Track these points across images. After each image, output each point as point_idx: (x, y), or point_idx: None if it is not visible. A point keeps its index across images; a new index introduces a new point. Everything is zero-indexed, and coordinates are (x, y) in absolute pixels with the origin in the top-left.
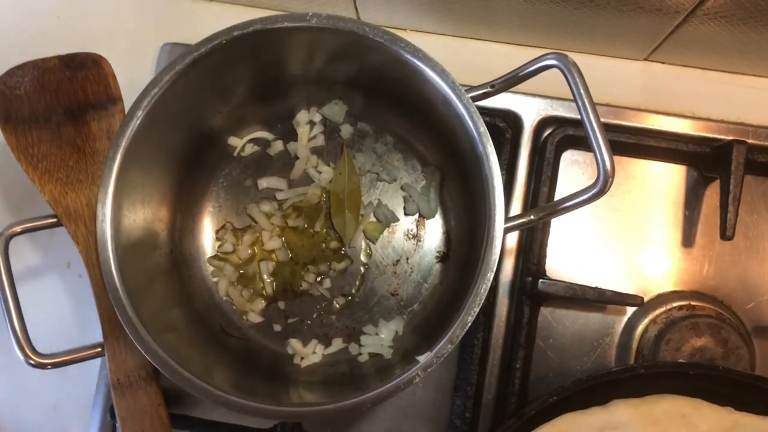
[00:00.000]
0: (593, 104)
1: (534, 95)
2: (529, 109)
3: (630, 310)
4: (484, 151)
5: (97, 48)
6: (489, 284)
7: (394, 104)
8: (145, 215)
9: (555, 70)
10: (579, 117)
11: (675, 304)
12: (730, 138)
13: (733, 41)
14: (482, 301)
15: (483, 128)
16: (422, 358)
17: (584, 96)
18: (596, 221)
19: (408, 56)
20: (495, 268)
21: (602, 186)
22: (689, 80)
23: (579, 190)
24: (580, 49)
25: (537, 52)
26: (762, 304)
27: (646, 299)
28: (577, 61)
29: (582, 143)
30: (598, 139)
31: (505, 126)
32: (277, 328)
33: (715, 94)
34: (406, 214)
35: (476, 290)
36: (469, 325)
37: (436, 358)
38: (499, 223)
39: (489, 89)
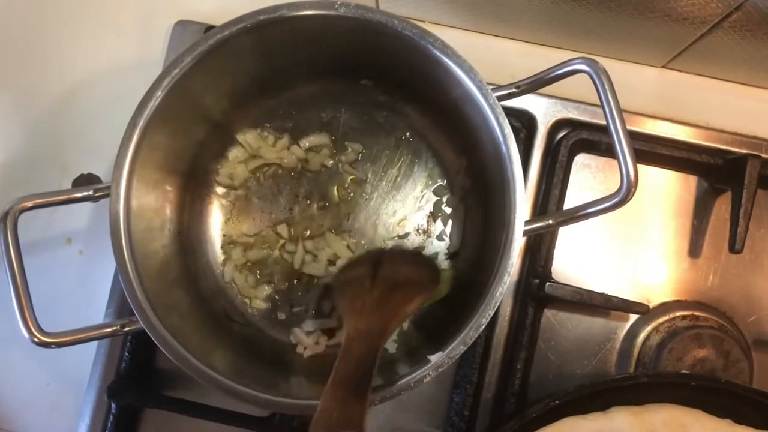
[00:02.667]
0: (621, 112)
1: (550, 96)
2: (545, 110)
3: (633, 317)
4: (508, 153)
5: (108, 23)
6: (505, 288)
7: (414, 99)
8: (157, 196)
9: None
10: (595, 120)
11: (678, 314)
12: (744, 151)
13: (755, 54)
14: (498, 305)
15: (508, 130)
16: (434, 358)
17: (612, 103)
18: (604, 226)
19: (436, 52)
20: (512, 272)
21: (624, 195)
22: (705, 90)
23: (600, 198)
24: (598, 51)
25: (555, 53)
26: (763, 318)
27: (649, 307)
28: None
29: (596, 148)
30: (624, 148)
31: (519, 126)
32: (282, 316)
33: (730, 106)
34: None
35: (492, 293)
36: (483, 327)
37: (448, 358)
38: (519, 227)
39: (514, 90)
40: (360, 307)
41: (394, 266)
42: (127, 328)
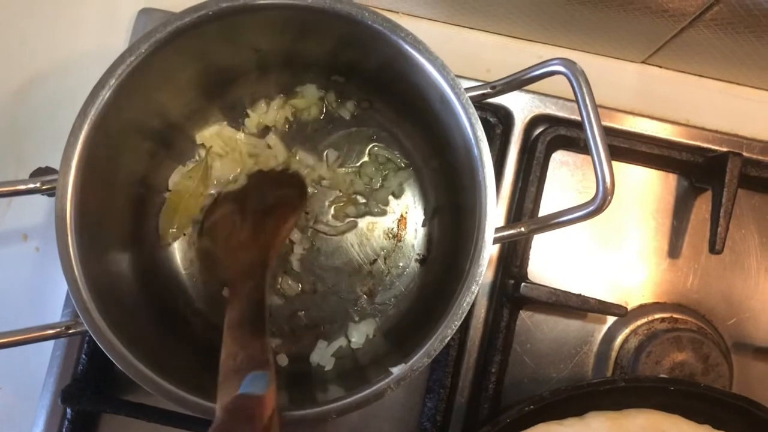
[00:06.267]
0: (598, 117)
1: (527, 91)
2: (522, 105)
3: (611, 319)
4: (480, 156)
5: (69, 11)
6: (473, 297)
7: (386, 96)
8: (110, 190)
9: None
10: (573, 117)
11: (657, 316)
12: (725, 149)
13: (735, 50)
14: (464, 315)
15: (481, 132)
16: (396, 370)
17: (590, 107)
18: (581, 225)
19: (407, 47)
20: (480, 281)
21: (600, 204)
22: (685, 87)
23: (575, 206)
24: (577, 46)
25: (533, 47)
26: (743, 321)
27: (627, 309)
28: (573, 59)
29: (573, 144)
30: (600, 155)
31: (496, 121)
32: None
33: (710, 103)
34: None
35: (459, 302)
36: (449, 338)
37: (411, 371)
38: (488, 235)
39: (489, 90)
40: (236, 245)
41: (261, 192)
42: (72, 330)
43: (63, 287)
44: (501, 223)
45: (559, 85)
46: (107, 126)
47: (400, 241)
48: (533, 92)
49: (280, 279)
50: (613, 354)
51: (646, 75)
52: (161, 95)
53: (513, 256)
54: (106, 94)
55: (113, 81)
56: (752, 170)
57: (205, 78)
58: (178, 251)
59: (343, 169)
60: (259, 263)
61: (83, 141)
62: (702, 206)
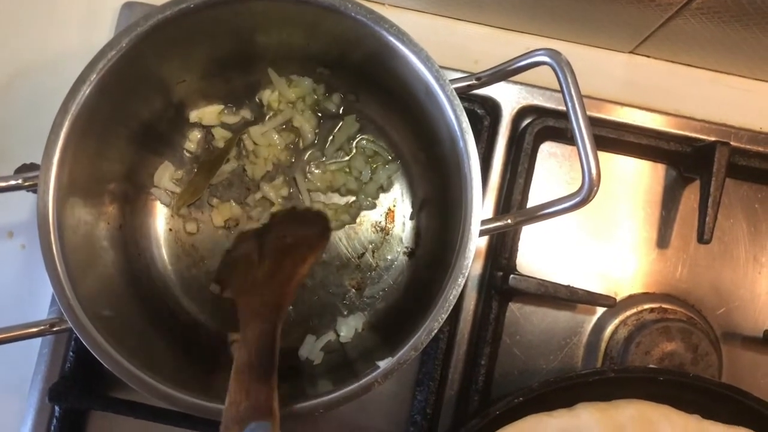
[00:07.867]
0: (583, 107)
1: (515, 82)
2: (509, 96)
3: (600, 310)
4: (466, 148)
5: (52, 6)
6: (460, 290)
7: (372, 89)
8: (94, 188)
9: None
10: (561, 108)
11: (646, 306)
12: (713, 139)
13: (722, 39)
14: (451, 308)
15: (466, 124)
16: (383, 364)
17: (575, 97)
18: (570, 216)
19: (391, 39)
20: (467, 273)
21: (586, 194)
22: (674, 76)
23: (561, 197)
24: (565, 36)
25: (521, 38)
26: (732, 311)
27: (616, 300)
28: (561, 50)
29: (561, 136)
30: (586, 145)
31: (483, 113)
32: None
33: (698, 93)
34: None
35: (445, 295)
36: (435, 331)
37: (398, 364)
38: (474, 227)
39: (474, 81)
40: (250, 285)
41: (280, 231)
42: (56, 328)
43: (49, 285)
44: (488, 215)
45: (546, 76)
46: (89, 122)
47: (388, 234)
48: (521, 83)
49: None
50: (603, 345)
51: (634, 65)
52: (144, 90)
53: (501, 247)
54: (86, 89)
55: (94, 76)
56: (740, 160)
57: (187, 72)
58: (165, 247)
59: (334, 166)
60: (272, 305)
61: (65, 137)
62: (690, 196)
